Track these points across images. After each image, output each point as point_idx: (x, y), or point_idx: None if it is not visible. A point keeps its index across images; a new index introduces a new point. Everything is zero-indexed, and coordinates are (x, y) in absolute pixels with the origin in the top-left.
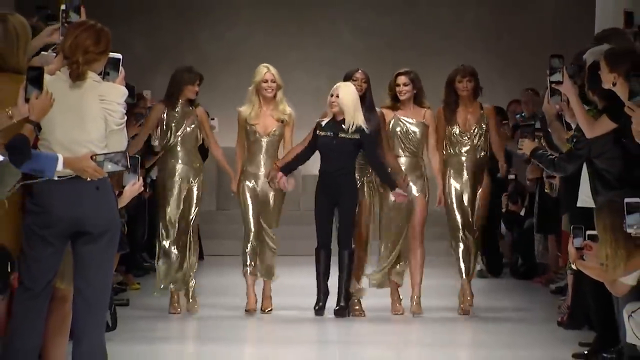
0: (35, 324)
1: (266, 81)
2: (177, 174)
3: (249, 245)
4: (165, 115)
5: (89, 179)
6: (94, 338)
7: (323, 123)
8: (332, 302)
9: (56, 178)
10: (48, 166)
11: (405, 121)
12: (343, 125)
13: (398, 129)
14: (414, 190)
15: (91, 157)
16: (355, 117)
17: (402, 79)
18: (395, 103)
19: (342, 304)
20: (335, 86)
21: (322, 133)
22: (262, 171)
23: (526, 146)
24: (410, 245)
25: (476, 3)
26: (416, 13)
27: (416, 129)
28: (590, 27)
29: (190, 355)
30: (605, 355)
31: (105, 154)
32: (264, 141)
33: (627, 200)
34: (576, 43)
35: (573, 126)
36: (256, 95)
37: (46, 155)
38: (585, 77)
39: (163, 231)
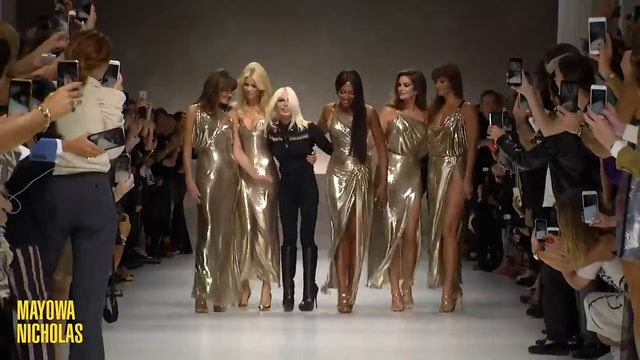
0: None
1: (247, 85)
2: (212, 174)
3: (250, 254)
4: (198, 117)
5: (89, 177)
6: (91, 328)
7: (273, 129)
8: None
9: (57, 162)
10: (49, 151)
11: (406, 121)
12: (291, 129)
13: (401, 126)
14: (409, 189)
15: (88, 137)
16: (299, 119)
17: (403, 79)
18: (399, 102)
19: (308, 299)
20: (282, 91)
21: (274, 139)
22: (255, 164)
23: (494, 132)
24: (403, 243)
25: (446, 15)
26: (390, 24)
27: (416, 129)
28: (553, 38)
29: (183, 343)
30: (566, 342)
31: (99, 132)
32: (253, 135)
33: (584, 193)
34: (540, 53)
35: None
36: (242, 94)
37: (46, 140)
38: (550, 85)
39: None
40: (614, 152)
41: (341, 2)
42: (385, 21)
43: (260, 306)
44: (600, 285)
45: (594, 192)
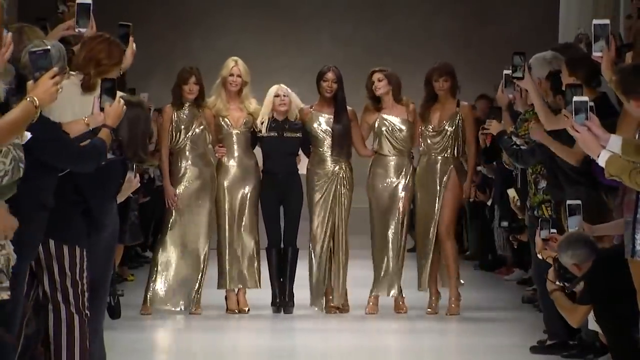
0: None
1: (232, 75)
2: (187, 175)
3: (225, 256)
4: (174, 117)
5: None
6: (92, 327)
7: (264, 125)
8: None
9: None
10: None
11: (390, 120)
12: (286, 125)
13: (384, 128)
14: (400, 189)
15: None
16: (293, 115)
17: (376, 76)
18: (376, 104)
19: (286, 300)
20: (278, 87)
21: (267, 134)
22: (237, 163)
23: (494, 127)
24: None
25: (446, 16)
26: (390, 25)
27: (403, 127)
28: (554, 39)
29: (185, 343)
30: (568, 341)
31: None
32: (236, 133)
33: (568, 202)
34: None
35: (522, 111)
36: (223, 88)
37: None
38: (550, 85)
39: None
40: (602, 161)
41: (342, 3)
42: (385, 22)
43: (237, 310)
44: None
45: (578, 202)
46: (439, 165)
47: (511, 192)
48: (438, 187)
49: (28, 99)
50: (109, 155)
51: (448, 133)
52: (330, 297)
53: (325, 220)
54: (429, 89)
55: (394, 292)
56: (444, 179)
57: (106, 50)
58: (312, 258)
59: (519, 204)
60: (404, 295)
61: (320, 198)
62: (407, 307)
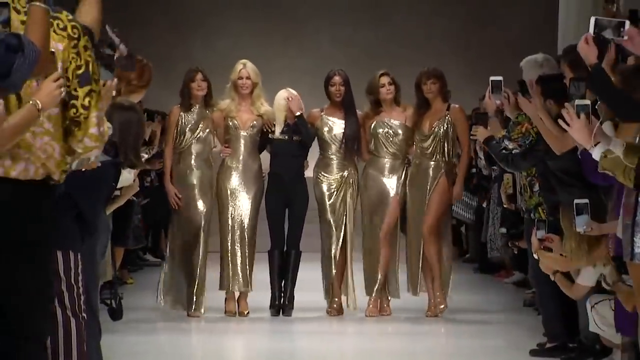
0: None
1: (241, 78)
2: (188, 177)
3: (228, 258)
4: (181, 118)
5: None
6: (89, 328)
7: (278, 127)
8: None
9: None
10: None
11: (388, 123)
12: (294, 128)
13: (381, 130)
14: (392, 191)
15: None
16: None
17: (386, 79)
18: (376, 107)
19: (286, 302)
20: (285, 93)
21: (279, 136)
22: (242, 166)
23: (480, 133)
24: (378, 244)
25: (446, 17)
26: (390, 26)
27: (400, 131)
28: (554, 40)
29: (185, 345)
30: (568, 344)
31: None
32: (243, 135)
33: (576, 201)
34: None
35: (512, 118)
36: (234, 91)
37: None
38: (541, 91)
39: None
40: (596, 155)
41: (341, 4)
42: (385, 23)
43: (236, 313)
44: (598, 289)
45: (586, 201)
46: (430, 170)
47: (506, 177)
48: (427, 192)
49: (31, 102)
50: (103, 157)
51: (438, 136)
52: (336, 300)
53: (337, 223)
54: (419, 94)
55: (376, 293)
56: (434, 183)
57: (137, 72)
58: (325, 260)
59: (510, 191)
60: (389, 298)
61: (330, 202)
62: (391, 310)
